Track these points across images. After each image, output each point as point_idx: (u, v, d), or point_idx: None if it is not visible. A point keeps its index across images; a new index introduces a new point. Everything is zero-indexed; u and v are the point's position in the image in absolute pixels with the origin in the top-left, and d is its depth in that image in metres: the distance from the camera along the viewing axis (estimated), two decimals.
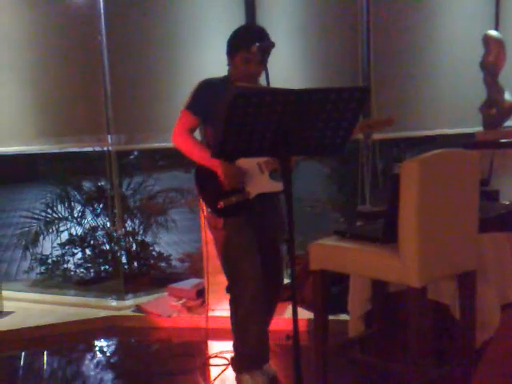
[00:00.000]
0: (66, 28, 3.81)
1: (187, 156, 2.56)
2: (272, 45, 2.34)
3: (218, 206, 2.46)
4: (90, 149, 3.97)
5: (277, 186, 2.53)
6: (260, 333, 2.50)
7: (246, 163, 2.52)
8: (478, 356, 2.24)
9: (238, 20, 3.83)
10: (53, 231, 4.47)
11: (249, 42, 2.44)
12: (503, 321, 2.26)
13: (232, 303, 2.55)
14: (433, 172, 1.87)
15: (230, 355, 2.83)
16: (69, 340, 3.37)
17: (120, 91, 3.70)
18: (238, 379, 2.55)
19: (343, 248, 2.08)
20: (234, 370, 2.59)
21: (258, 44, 2.39)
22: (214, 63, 3.69)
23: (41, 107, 3.96)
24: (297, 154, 2.06)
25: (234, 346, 2.57)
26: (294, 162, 2.48)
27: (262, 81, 2.47)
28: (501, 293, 2.33)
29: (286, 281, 3.74)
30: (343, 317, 2.90)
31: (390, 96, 3.44)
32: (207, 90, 2.55)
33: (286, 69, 3.41)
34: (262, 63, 2.44)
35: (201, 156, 2.51)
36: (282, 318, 3.32)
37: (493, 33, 3.33)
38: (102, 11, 3.65)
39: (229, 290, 2.56)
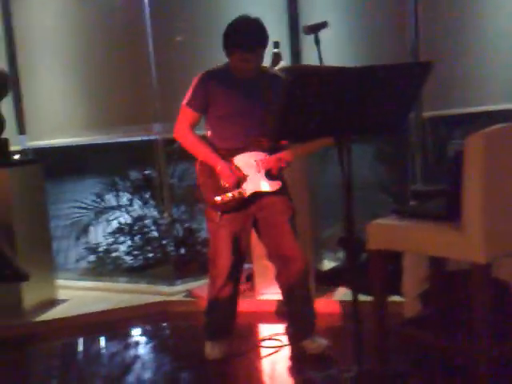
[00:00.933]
0: (111, 17, 3.85)
1: (189, 152, 2.67)
2: (325, 24, 2.31)
3: (215, 201, 2.60)
4: (137, 138, 4.03)
5: (272, 186, 2.65)
6: (225, 314, 2.81)
7: (244, 161, 2.62)
8: None
9: (281, 6, 3.81)
10: (102, 220, 4.57)
11: (246, 44, 2.46)
12: None
13: (209, 282, 2.82)
14: (498, 146, 1.84)
15: (282, 337, 2.94)
16: (124, 325, 3.45)
17: (166, 79, 3.73)
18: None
19: (404, 226, 2.06)
20: (204, 336, 2.85)
21: (307, 25, 2.37)
22: None
23: (88, 99, 4.03)
24: (356, 133, 2.04)
25: (204, 315, 2.85)
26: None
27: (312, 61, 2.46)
28: None
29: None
30: (394, 298, 2.88)
31: (438, 71, 3.35)
32: (207, 83, 2.60)
33: (333, 47, 3.37)
34: (258, 60, 2.52)
35: (202, 152, 2.64)
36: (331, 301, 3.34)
37: None
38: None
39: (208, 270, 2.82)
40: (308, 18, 3.67)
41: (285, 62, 3.46)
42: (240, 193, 2.62)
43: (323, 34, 2.35)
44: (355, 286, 2.17)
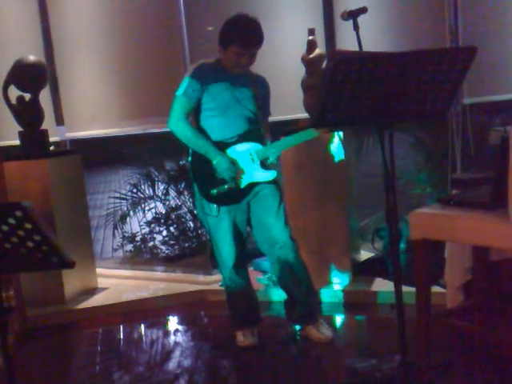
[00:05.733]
0: (147, 8, 3.87)
1: (183, 142, 2.71)
2: (364, 9, 2.27)
3: (212, 194, 2.64)
4: None
5: (267, 175, 2.72)
6: (244, 302, 2.88)
7: (238, 153, 2.68)
8: None
9: None
10: (139, 210, 4.63)
11: (244, 39, 2.56)
12: None
13: (221, 275, 2.91)
14: None
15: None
16: (163, 313, 3.50)
17: None
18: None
19: (448, 215, 2.02)
20: (232, 326, 2.92)
21: (346, 10, 2.33)
22: (289, 34, 3.69)
23: (124, 90, 4.06)
24: (397, 120, 2.01)
25: (228, 306, 2.93)
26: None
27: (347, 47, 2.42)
28: None
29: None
30: (434, 289, 2.84)
31: (477, 56, 3.29)
32: (201, 75, 2.64)
33: (369, 32, 3.33)
34: (252, 58, 2.61)
35: (198, 144, 2.67)
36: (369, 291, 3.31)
37: None
38: None
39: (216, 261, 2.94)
40: (342, 3, 3.62)
41: (320, 49, 3.42)
42: (236, 184, 2.66)
43: (360, 20, 2.31)
44: (397, 276, 2.14)
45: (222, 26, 2.64)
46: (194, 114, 2.74)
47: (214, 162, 2.64)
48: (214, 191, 2.66)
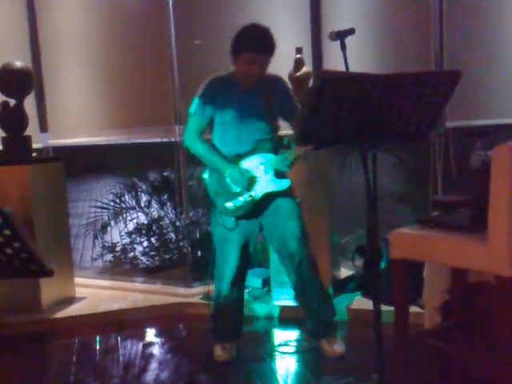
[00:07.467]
0: (134, 19, 3.88)
1: (199, 158, 2.75)
2: (352, 31, 2.31)
3: (228, 208, 2.65)
4: (157, 140, 4.04)
5: (282, 184, 2.70)
6: (231, 317, 2.84)
7: (251, 164, 2.68)
8: None
9: (303, 11, 3.81)
10: (120, 220, 4.60)
11: (256, 44, 2.56)
12: None
13: (214, 286, 2.86)
14: None
15: (296, 343, 2.98)
16: (141, 325, 3.47)
17: (188, 82, 3.75)
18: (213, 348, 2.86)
19: (427, 236, 2.04)
20: (212, 339, 2.88)
21: (334, 31, 2.37)
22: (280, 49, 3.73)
23: (110, 99, 4.06)
24: (381, 140, 2.04)
25: (211, 318, 2.90)
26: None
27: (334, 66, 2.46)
28: None
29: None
30: (413, 308, 2.86)
31: (462, 80, 3.35)
32: (214, 90, 2.65)
33: (356, 53, 3.39)
34: (264, 66, 2.61)
35: (211, 159, 2.70)
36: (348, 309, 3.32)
37: None
38: (170, 1, 3.70)
39: (211, 272, 2.87)
40: (330, 23, 3.67)
41: (307, 68, 3.46)
42: (251, 196, 2.65)
43: (347, 40, 2.36)
44: (376, 295, 2.16)
45: (233, 36, 2.62)
46: (207, 129, 2.74)
47: (226, 174, 2.65)
48: (230, 204, 2.66)
